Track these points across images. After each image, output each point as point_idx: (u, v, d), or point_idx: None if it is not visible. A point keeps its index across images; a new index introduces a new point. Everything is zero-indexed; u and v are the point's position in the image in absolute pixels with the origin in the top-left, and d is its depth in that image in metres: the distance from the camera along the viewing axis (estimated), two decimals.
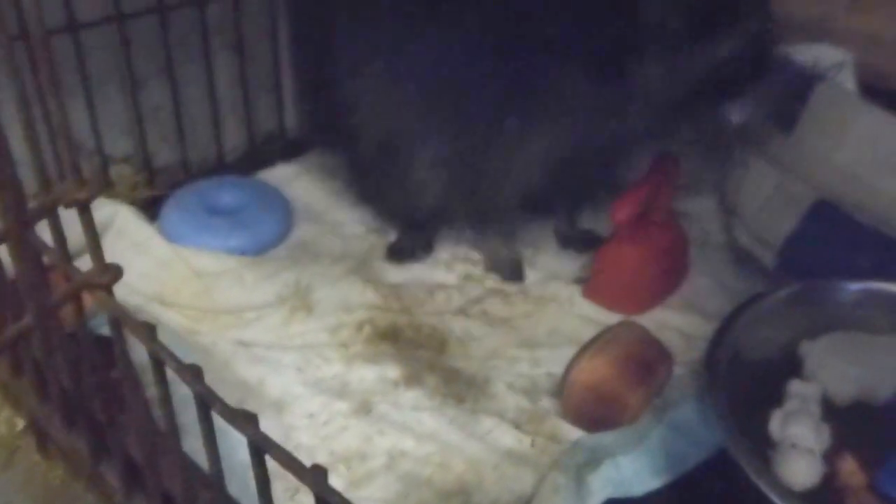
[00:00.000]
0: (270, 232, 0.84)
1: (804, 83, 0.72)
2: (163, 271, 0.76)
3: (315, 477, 0.33)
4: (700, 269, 0.83)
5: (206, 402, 0.37)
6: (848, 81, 0.87)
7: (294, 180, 0.93)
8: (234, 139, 0.96)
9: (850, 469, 0.59)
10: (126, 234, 0.77)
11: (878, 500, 0.58)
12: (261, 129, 0.98)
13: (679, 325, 0.77)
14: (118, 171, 0.86)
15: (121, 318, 0.42)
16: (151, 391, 0.52)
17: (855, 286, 0.68)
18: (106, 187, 0.85)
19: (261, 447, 0.35)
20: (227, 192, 0.86)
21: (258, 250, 0.82)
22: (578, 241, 0.86)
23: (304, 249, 0.84)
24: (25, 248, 0.42)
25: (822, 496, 0.58)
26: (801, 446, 0.60)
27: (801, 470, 0.59)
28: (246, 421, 0.35)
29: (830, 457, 0.60)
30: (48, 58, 0.37)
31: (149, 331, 0.39)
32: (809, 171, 0.72)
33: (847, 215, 0.70)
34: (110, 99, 0.84)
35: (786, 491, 0.55)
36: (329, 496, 0.33)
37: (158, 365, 0.40)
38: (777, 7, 1.02)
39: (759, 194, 0.76)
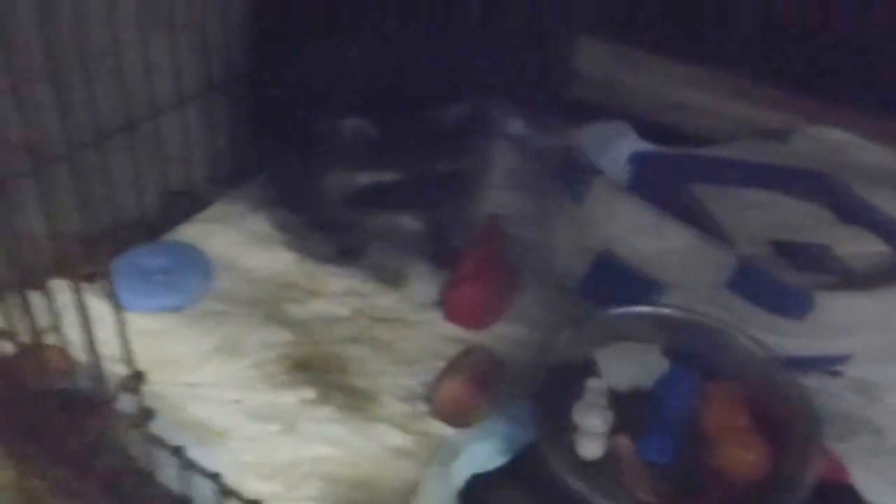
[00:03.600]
0: (197, 287, 0.99)
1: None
2: (117, 336, 0.91)
3: None
4: (529, 288, 1.03)
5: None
6: (630, 138, 1.12)
7: (207, 236, 1.07)
8: (153, 203, 1.10)
9: (623, 443, 0.79)
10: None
11: (641, 463, 0.79)
12: (176, 191, 1.12)
13: (513, 335, 0.97)
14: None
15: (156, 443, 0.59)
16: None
17: (627, 310, 0.89)
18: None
19: None
20: (156, 257, 1.00)
21: (190, 304, 0.97)
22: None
23: (226, 299, 1.00)
24: None
25: (605, 464, 0.79)
26: (591, 431, 0.81)
27: (591, 448, 0.79)
28: None
29: (612, 435, 0.81)
30: None
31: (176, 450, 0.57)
32: (595, 232, 0.94)
33: (620, 262, 0.93)
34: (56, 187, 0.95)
35: (569, 462, 0.76)
36: None
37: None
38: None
39: (563, 243, 0.99)
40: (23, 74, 0.59)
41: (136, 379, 0.62)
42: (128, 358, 0.61)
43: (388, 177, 0.93)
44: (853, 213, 1.09)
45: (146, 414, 0.63)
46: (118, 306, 0.61)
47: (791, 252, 1.04)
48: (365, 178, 0.94)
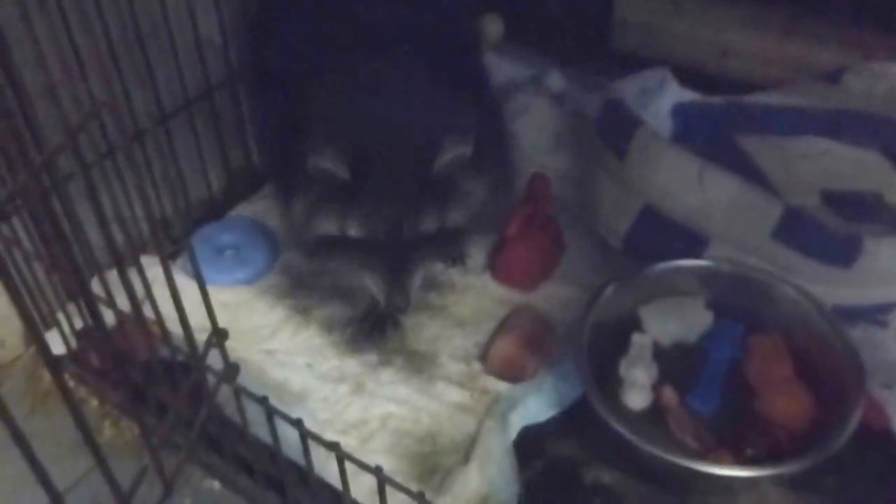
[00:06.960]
0: (265, 261, 1.08)
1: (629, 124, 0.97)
2: (200, 307, 1.00)
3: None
4: (574, 248, 1.10)
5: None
6: (672, 89, 1.13)
7: (268, 212, 1.15)
8: (217, 182, 1.19)
9: (668, 394, 0.87)
10: None
11: (687, 413, 0.86)
12: (235, 168, 1.21)
13: (560, 295, 1.04)
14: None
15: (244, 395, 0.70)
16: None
17: (670, 264, 0.93)
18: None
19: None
20: (225, 233, 1.10)
21: (258, 277, 1.07)
22: None
23: (291, 271, 1.09)
24: None
25: (651, 414, 0.86)
26: (637, 383, 0.88)
27: (637, 399, 0.87)
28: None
29: (657, 386, 0.88)
30: None
31: (263, 400, 0.68)
32: (637, 187, 0.97)
33: (664, 216, 0.96)
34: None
35: (617, 412, 0.81)
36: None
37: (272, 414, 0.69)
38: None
39: (606, 200, 1.02)
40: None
41: (219, 336, 0.70)
42: (211, 319, 0.69)
43: (351, 231, 0.82)
44: None
45: (233, 369, 0.71)
46: (200, 276, 0.68)
47: (840, 201, 1.06)
48: (326, 226, 0.83)
